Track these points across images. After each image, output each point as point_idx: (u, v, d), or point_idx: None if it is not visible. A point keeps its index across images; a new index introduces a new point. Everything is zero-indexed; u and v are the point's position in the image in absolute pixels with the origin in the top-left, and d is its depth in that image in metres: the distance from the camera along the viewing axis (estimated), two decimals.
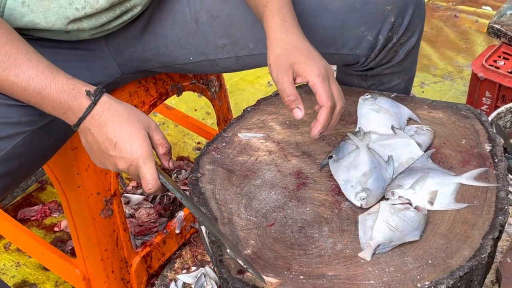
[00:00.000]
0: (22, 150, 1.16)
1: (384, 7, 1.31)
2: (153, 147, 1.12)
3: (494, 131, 1.30)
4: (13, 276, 1.87)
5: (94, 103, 1.09)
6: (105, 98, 1.10)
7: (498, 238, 1.11)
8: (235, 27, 1.37)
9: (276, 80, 1.15)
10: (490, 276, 1.45)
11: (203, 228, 1.14)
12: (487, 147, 1.26)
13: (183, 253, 1.69)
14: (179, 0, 1.39)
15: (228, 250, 1.06)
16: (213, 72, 1.71)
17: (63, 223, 2.00)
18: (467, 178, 1.19)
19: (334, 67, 1.93)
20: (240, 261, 1.05)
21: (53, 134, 1.22)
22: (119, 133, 1.08)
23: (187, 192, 1.22)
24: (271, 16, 1.19)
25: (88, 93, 1.09)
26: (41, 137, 1.19)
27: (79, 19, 1.23)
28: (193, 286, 1.60)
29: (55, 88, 1.08)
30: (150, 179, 1.09)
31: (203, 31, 1.38)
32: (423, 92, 2.52)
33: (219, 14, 1.37)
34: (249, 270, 1.05)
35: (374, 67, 1.39)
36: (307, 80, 1.14)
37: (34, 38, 1.23)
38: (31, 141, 1.17)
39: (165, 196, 2.01)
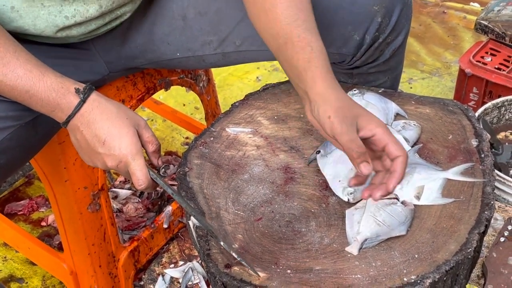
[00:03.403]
0: (9, 145, 1.15)
1: (371, 7, 1.31)
2: (143, 145, 1.12)
3: (481, 126, 1.31)
4: (0, 270, 1.86)
5: (83, 101, 1.09)
6: (94, 96, 1.10)
7: (484, 233, 1.12)
8: (223, 24, 1.36)
9: (341, 131, 1.06)
10: (476, 271, 1.46)
11: (190, 223, 1.14)
12: (474, 142, 1.26)
13: (171, 247, 1.69)
14: None
15: (221, 242, 1.07)
16: (200, 68, 1.70)
17: (50, 218, 1.99)
18: (454, 173, 1.20)
19: None
20: (233, 253, 1.06)
21: (40, 129, 1.22)
22: (108, 131, 1.08)
23: (175, 187, 1.22)
24: (319, 72, 1.12)
25: (77, 91, 1.09)
26: (28, 132, 1.18)
27: (68, 27, 1.22)
28: (180, 280, 1.60)
29: (44, 87, 1.07)
30: (140, 175, 1.09)
31: (190, 27, 1.38)
32: (411, 88, 2.53)
33: (207, 10, 1.36)
34: (242, 262, 1.05)
35: (360, 65, 1.39)
36: (373, 133, 1.07)
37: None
38: (18, 136, 1.16)
39: (153, 191, 2.01)
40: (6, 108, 1.13)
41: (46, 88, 1.07)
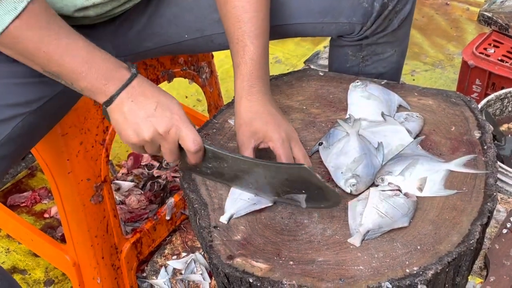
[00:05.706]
0: (20, 133, 1.17)
1: None
2: None
3: (484, 118, 1.31)
4: (3, 262, 1.87)
5: (135, 74, 1.13)
6: (140, 75, 1.16)
7: (487, 224, 1.12)
8: None
9: (240, 147, 1.21)
10: (479, 262, 1.46)
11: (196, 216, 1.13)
12: (477, 134, 1.26)
13: (173, 239, 1.69)
14: None
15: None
16: (208, 51, 1.69)
17: (53, 210, 2.00)
18: (456, 165, 1.20)
19: (326, 44, 1.92)
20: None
21: (48, 116, 1.23)
22: (159, 98, 1.13)
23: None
24: (240, 81, 1.23)
25: (129, 65, 1.14)
26: (38, 119, 1.20)
27: (86, 7, 1.23)
28: (183, 271, 1.60)
29: (103, 58, 1.12)
30: (195, 136, 1.13)
31: (198, 5, 1.38)
32: (413, 80, 2.52)
33: None
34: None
35: (369, 36, 1.40)
36: (269, 145, 1.18)
37: None
38: (29, 123, 1.18)
39: (156, 183, 2.01)
40: (16, 94, 1.15)
41: (104, 59, 1.12)
